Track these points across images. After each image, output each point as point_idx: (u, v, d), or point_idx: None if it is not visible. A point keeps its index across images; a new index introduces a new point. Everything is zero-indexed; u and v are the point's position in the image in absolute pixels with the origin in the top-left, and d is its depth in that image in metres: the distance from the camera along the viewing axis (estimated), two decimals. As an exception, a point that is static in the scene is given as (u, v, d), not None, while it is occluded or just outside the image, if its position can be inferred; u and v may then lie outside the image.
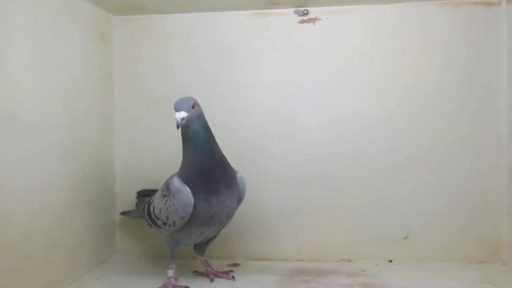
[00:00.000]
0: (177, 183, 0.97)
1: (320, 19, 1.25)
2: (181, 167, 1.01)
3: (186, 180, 0.97)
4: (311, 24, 1.25)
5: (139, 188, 1.28)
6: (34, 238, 0.96)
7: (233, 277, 1.10)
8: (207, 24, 1.30)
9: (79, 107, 1.15)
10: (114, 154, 1.33)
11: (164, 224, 1.01)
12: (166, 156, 1.30)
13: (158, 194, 1.04)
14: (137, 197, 1.26)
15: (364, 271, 1.17)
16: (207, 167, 0.97)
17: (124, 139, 1.33)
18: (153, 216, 1.05)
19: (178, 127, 0.94)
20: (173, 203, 0.97)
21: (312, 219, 1.27)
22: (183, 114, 0.93)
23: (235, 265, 1.22)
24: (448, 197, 1.22)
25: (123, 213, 1.29)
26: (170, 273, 1.05)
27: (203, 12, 1.29)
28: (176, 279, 1.05)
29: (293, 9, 1.25)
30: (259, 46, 1.28)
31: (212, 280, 1.09)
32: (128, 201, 1.31)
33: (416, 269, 1.17)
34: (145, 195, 1.21)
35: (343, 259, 1.26)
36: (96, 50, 1.24)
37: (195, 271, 1.15)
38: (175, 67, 1.31)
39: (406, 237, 1.24)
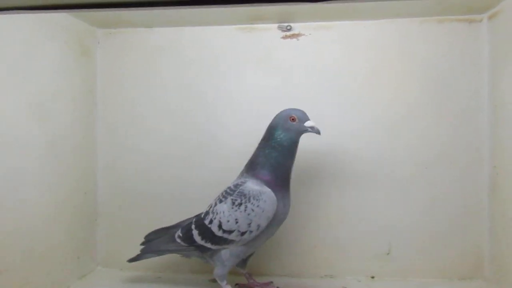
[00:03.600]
0: (256, 186, 0.99)
1: (303, 34, 1.26)
2: (254, 172, 1.02)
3: (264, 183, 1.00)
4: (295, 39, 1.26)
5: (121, 202, 1.28)
6: (9, 252, 0.95)
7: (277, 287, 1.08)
8: (193, 38, 1.30)
9: (60, 122, 1.15)
10: (97, 168, 1.32)
11: (243, 233, 0.99)
12: (148, 170, 1.30)
13: (223, 209, 1.01)
14: (144, 242, 1.17)
15: (345, 287, 1.16)
16: (287, 171, 1.03)
17: (106, 153, 1.32)
18: (219, 234, 1.01)
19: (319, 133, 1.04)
20: (257, 205, 0.98)
21: (294, 234, 1.26)
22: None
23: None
24: (429, 213, 1.22)
25: (131, 260, 1.16)
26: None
27: (188, 26, 1.30)
28: None
29: (277, 24, 1.26)
30: (244, 61, 1.28)
31: None
32: (110, 214, 1.30)
33: (398, 285, 1.17)
34: (152, 239, 1.15)
35: (325, 275, 1.25)
36: (78, 63, 1.23)
37: (237, 284, 1.14)
38: (160, 80, 1.31)
39: (388, 253, 1.23)
